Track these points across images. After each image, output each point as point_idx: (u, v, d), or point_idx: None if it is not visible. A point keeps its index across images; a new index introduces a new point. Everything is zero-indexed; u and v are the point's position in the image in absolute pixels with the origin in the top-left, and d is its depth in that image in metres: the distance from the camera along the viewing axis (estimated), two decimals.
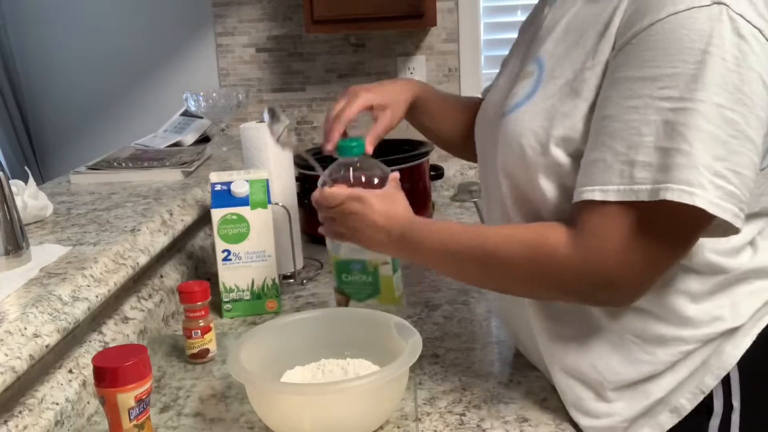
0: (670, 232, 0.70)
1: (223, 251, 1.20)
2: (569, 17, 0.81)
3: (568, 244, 0.72)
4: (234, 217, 1.20)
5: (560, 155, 0.76)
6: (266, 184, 1.23)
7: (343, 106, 1.03)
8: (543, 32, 0.84)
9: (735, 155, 0.66)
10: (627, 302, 0.75)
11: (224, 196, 1.21)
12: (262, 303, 1.22)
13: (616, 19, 0.73)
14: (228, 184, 1.22)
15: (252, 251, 1.21)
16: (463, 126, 1.11)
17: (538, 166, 0.78)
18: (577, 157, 0.75)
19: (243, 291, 1.22)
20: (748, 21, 0.66)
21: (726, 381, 0.78)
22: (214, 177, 1.23)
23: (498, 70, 1.03)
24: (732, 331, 0.78)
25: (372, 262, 1.05)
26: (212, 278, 1.40)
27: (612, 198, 0.69)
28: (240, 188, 1.21)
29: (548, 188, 0.78)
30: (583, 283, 0.73)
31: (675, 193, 0.65)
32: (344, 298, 1.09)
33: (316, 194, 0.94)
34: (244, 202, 1.20)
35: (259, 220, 1.20)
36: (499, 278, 0.80)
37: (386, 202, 0.91)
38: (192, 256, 1.37)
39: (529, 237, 0.76)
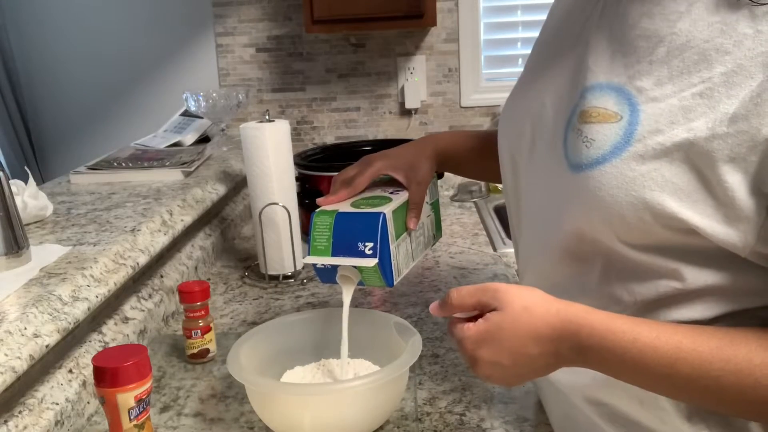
0: None
1: None
2: (675, 41, 0.60)
3: None
4: None
5: (663, 232, 0.61)
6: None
7: (355, 174, 0.96)
8: (615, 45, 0.65)
9: None
10: None
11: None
12: None
13: None
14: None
15: None
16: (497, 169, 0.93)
17: (627, 237, 0.63)
18: (684, 232, 0.60)
19: None
20: None
21: None
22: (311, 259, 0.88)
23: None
24: None
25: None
26: (212, 278, 1.40)
27: None
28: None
29: (632, 256, 0.64)
30: None
31: None
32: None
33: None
34: None
35: None
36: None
37: (517, 318, 0.64)
38: (192, 256, 1.36)
39: None
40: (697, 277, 0.62)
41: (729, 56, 0.56)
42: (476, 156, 1.03)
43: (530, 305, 0.64)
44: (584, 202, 0.64)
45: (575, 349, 0.63)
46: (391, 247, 0.86)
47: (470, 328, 0.66)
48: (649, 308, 0.66)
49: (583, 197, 0.64)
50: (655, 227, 0.60)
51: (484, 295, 0.67)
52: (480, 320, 0.66)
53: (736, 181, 0.57)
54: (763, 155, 0.55)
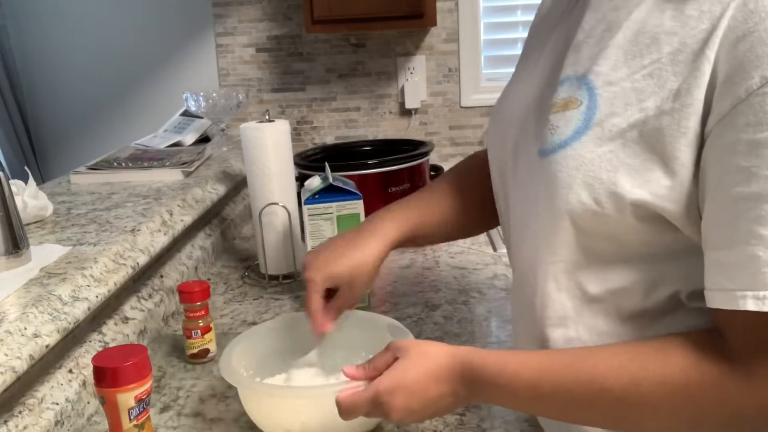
0: None
1: None
2: (631, 27, 0.63)
3: (734, 379, 0.56)
4: None
5: (617, 218, 0.62)
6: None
7: (306, 300, 0.91)
8: (583, 38, 0.68)
9: None
10: None
11: None
12: None
13: (712, 48, 0.56)
14: None
15: None
16: (463, 217, 0.96)
17: (583, 222, 0.64)
18: (643, 217, 0.62)
19: None
20: None
21: None
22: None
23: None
24: None
25: None
26: (212, 278, 1.40)
27: None
28: None
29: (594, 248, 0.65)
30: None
31: None
32: None
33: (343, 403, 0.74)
34: None
35: None
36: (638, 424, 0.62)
37: (418, 362, 0.70)
38: (192, 256, 1.37)
39: (672, 373, 0.58)
40: (652, 268, 0.64)
41: (676, 36, 0.59)
42: (442, 227, 0.98)
43: (426, 350, 0.72)
44: (548, 185, 0.66)
45: (467, 385, 0.68)
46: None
47: (381, 380, 0.71)
48: (607, 302, 0.68)
49: (547, 181, 0.66)
50: (611, 212, 0.62)
51: (385, 353, 0.74)
52: (387, 369, 0.71)
53: (688, 157, 0.58)
54: (710, 128, 0.57)
